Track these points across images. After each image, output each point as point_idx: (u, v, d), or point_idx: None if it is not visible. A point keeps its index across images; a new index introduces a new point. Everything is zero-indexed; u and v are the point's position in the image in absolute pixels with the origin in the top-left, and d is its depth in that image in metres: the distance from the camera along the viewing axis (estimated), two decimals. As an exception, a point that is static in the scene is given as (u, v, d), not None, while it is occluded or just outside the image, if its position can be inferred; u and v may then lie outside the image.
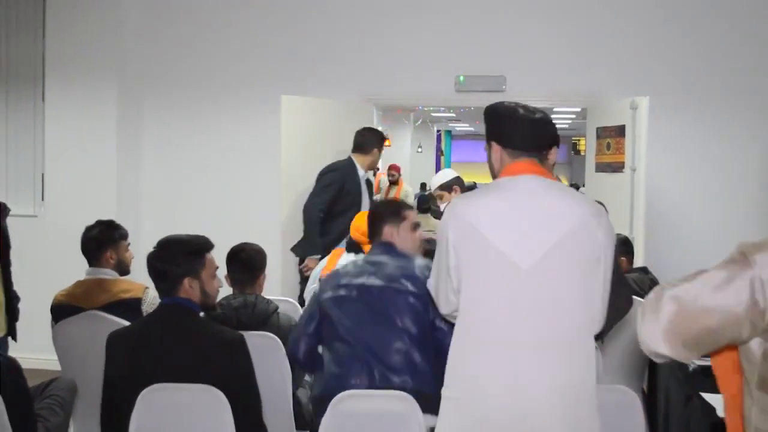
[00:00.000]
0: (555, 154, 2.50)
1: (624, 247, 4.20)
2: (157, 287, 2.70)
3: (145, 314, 3.39)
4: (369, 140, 5.25)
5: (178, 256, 2.65)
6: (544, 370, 1.99)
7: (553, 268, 2.03)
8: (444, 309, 2.20)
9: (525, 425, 1.96)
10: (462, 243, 2.08)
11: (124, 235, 3.60)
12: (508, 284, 2.03)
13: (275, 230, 5.27)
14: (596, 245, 2.05)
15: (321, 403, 2.64)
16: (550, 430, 1.96)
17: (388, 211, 2.98)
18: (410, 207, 3.11)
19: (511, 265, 2.02)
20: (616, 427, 2.43)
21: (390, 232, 2.92)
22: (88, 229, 3.58)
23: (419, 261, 2.83)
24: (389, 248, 2.88)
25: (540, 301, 2.02)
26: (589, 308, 2.06)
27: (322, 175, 5.15)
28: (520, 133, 2.14)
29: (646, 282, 4.05)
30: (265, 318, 3.15)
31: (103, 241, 3.51)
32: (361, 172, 5.19)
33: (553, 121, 2.18)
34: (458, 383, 2.06)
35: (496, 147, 2.19)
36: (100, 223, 3.60)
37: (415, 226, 3.00)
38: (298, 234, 5.14)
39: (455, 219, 2.12)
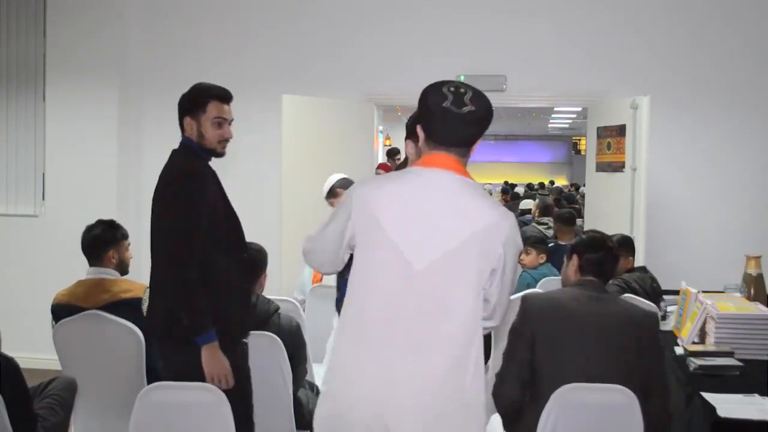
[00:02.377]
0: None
1: (625, 246, 4.19)
2: None
3: (145, 314, 3.39)
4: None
5: None
6: (417, 373, 1.93)
7: (445, 273, 1.97)
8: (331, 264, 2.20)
9: (386, 424, 1.92)
10: (360, 227, 2.04)
11: (125, 235, 3.60)
12: (396, 282, 1.98)
13: (276, 229, 5.27)
14: (493, 256, 2.00)
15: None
16: (422, 425, 1.92)
17: None
18: None
19: (404, 263, 1.97)
20: (615, 427, 2.43)
21: None
22: (89, 229, 3.57)
23: None
24: None
25: (426, 305, 1.97)
26: (475, 317, 2.00)
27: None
28: (443, 127, 2.03)
29: (647, 281, 4.06)
30: (265, 318, 3.15)
31: (105, 240, 3.51)
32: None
33: (484, 114, 2.05)
34: (334, 371, 2.04)
35: (420, 132, 2.10)
36: (101, 223, 3.59)
37: None
38: (298, 233, 5.13)
39: (359, 200, 2.06)
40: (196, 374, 2.56)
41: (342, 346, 2.05)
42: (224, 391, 2.50)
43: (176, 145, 2.96)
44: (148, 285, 3.48)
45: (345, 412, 1.97)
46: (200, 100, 2.82)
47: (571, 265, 2.81)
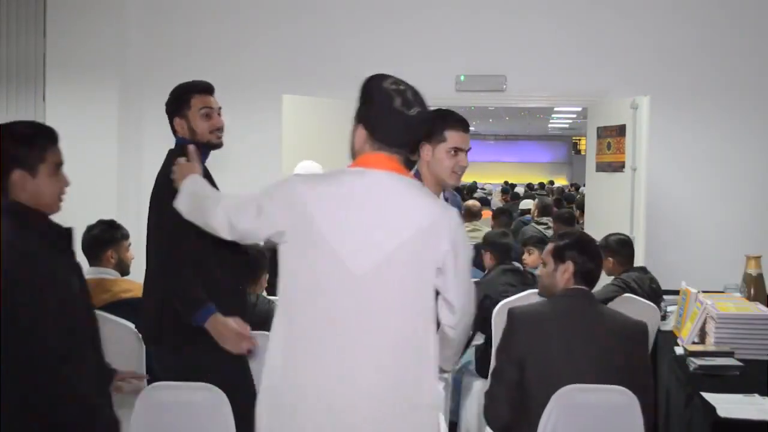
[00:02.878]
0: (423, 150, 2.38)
1: (624, 248, 4.19)
2: None
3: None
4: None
5: None
6: (364, 374, 1.89)
7: (388, 275, 1.91)
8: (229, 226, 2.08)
9: (339, 423, 1.88)
10: (293, 229, 1.94)
11: (125, 235, 3.60)
12: (337, 287, 1.91)
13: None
14: (438, 253, 1.94)
15: None
16: (369, 420, 1.89)
17: None
18: None
19: (343, 267, 1.90)
20: (614, 428, 2.43)
21: None
22: (89, 229, 3.57)
23: None
24: None
25: (370, 308, 1.91)
26: (426, 316, 1.95)
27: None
28: (390, 128, 1.98)
29: (646, 281, 4.05)
30: (265, 318, 3.15)
31: (104, 240, 3.51)
32: None
33: (429, 114, 2.05)
34: (278, 374, 1.93)
35: (361, 130, 2.04)
36: (101, 223, 3.59)
37: None
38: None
39: (294, 198, 1.95)
40: (191, 375, 2.55)
41: (288, 350, 1.93)
42: (224, 390, 2.50)
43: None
44: (148, 285, 3.50)
45: (295, 403, 1.90)
46: (183, 98, 2.86)
47: (564, 271, 2.64)
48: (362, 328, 1.90)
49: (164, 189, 2.67)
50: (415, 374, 1.93)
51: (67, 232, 2.17)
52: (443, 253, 1.94)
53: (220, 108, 2.86)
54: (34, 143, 2.19)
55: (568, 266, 2.64)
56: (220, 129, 2.84)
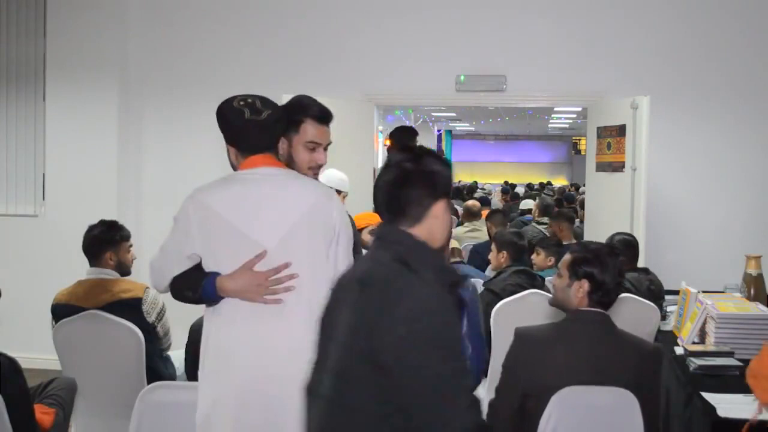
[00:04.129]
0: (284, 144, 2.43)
1: (628, 249, 4.16)
2: None
3: (145, 314, 3.39)
4: (406, 138, 5.47)
5: None
6: (286, 333, 2.17)
7: (296, 244, 2.20)
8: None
9: (270, 379, 2.15)
10: (205, 228, 2.20)
11: (125, 237, 3.59)
12: (251, 262, 2.18)
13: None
14: (332, 220, 2.25)
15: None
16: (291, 380, 2.03)
17: None
18: None
19: (255, 244, 2.18)
20: (613, 428, 2.43)
21: None
22: (91, 229, 3.57)
23: None
24: None
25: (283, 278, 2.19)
26: (331, 275, 2.12)
27: None
28: (251, 137, 2.24)
29: (644, 282, 4.04)
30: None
31: (103, 241, 3.51)
32: None
33: (280, 113, 2.28)
34: (212, 358, 2.23)
35: (231, 149, 2.31)
36: (102, 223, 3.59)
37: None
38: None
39: (196, 206, 2.23)
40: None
41: (220, 331, 2.23)
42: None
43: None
44: (147, 285, 3.50)
45: (223, 382, 2.18)
46: (295, 118, 2.45)
47: (579, 288, 2.47)
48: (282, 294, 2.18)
49: None
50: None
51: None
52: (336, 220, 2.26)
53: (329, 143, 2.50)
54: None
55: (583, 284, 2.47)
56: (320, 167, 2.49)
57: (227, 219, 2.18)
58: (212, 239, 2.21)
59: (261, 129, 2.23)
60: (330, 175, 3.82)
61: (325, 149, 2.49)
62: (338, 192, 3.44)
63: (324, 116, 2.48)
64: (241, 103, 2.24)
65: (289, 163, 2.43)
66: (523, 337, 2.47)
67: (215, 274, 2.23)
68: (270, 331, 2.19)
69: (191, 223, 2.22)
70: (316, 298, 2.06)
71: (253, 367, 2.17)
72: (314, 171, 2.49)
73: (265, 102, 2.28)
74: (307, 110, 2.46)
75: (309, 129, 2.44)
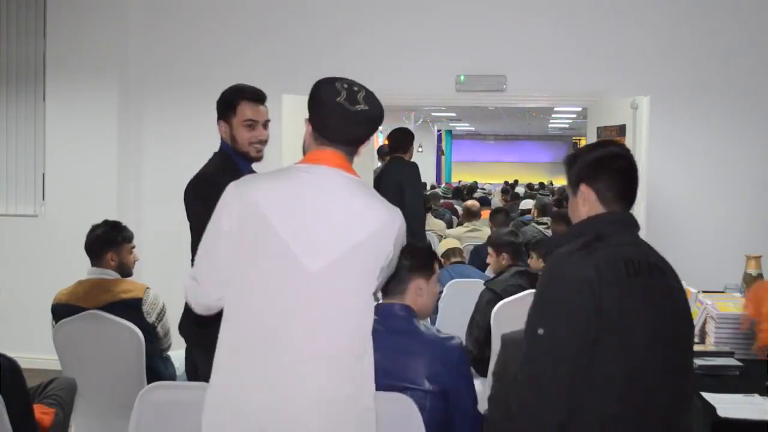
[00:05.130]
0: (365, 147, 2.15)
1: None
2: None
3: (145, 314, 3.39)
4: (407, 140, 5.76)
5: None
6: (310, 381, 1.82)
7: (342, 275, 1.87)
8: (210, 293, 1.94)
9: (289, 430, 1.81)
10: (244, 226, 1.86)
11: (127, 238, 3.59)
12: (289, 285, 1.84)
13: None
14: (383, 255, 1.93)
15: None
16: None
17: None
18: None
19: (297, 264, 1.84)
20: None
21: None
22: (94, 228, 3.58)
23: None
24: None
25: (321, 309, 1.85)
26: (368, 322, 1.92)
27: (417, 170, 5.68)
28: (332, 123, 1.93)
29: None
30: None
31: (105, 241, 3.51)
32: None
33: (377, 115, 1.98)
34: (223, 376, 1.87)
35: (308, 127, 2.00)
36: (105, 224, 3.60)
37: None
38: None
39: (239, 198, 1.88)
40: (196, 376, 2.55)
41: (234, 353, 1.86)
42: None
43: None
44: (148, 285, 3.50)
45: (228, 424, 1.85)
46: (230, 102, 2.77)
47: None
48: (316, 329, 1.84)
49: (186, 191, 2.69)
50: (360, 379, 1.89)
51: None
52: (388, 254, 1.95)
53: (267, 121, 2.80)
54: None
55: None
56: (261, 142, 2.79)
57: (271, 221, 1.85)
58: (253, 241, 1.86)
59: (344, 119, 1.91)
60: None
61: (265, 127, 2.80)
62: None
63: (257, 96, 2.80)
64: (345, 86, 1.95)
65: (233, 144, 2.75)
66: (509, 343, 2.43)
67: None
68: (291, 374, 1.82)
69: (232, 219, 1.88)
70: (349, 343, 1.86)
71: (265, 415, 1.82)
72: (256, 147, 2.76)
73: (370, 99, 1.97)
74: (241, 92, 2.78)
75: (245, 109, 2.74)
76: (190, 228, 2.67)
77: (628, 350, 1.84)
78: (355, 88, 1.96)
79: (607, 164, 2.03)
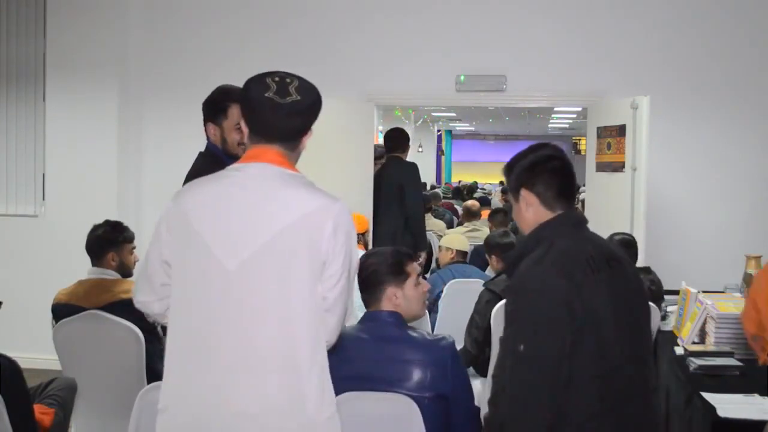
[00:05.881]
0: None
1: (627, 249, 4.16)
2: None
3: (145, 314, 3.38)
4: (405, 139, 5.79)
5: None
6: (240, 392, 1.72)
7: (261, 271, 1.75)
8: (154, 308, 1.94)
9: None
10: (175, 235, 1.83)
11: (128, 238, 3.59)
12: (210, 286, 1.77)
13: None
14: (319, 247, 1.77)
15: None
16: None
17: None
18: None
19: (217, 263, 1.76)
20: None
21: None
22: (95, 228, 3.58)
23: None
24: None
25: (244, 310, 1.75)
26: (310, 322, 1.77)
27: (417, 169, 5.72)
28: (262, 119, 1.86)
29: (644, 282, 4.02)
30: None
31: (106, 241, 3.51)
32: None
33: (309, 104, 1.88)
34: (165, 392, 1.83)
35: (243, 126, 1.93)
36: (107, 224, 3.59)
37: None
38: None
39: (173, 204, 1.87)
40: None
41: (172, 364, 1.83)
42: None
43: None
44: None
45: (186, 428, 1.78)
46: (221, 105, 2.74)
47: None
48: (242, 334, 1.75)
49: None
50: (300, 389, 1.75)
51: None
52: (326, 247, 1.78)
53: None
54: None
55: None
56: None
57: (196, 227, 1.80)
58: (180, 249, 1.83)
59: (275, 112, 1.83)
60: None
61: None
62: None
63: None
64: (276, 79, 1.87)
65: (224, 146, 2.72)
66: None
67: None
68: (217, 383, 1.74)
69: (163, 225, 1.87)
70: (286, 344, 1.74)
71: (197, 428, 1.75)
72: (244, 150, 2.61)
73: (303, 89, 1.88)
74: (231, 95, 2.70)
75: (236, 112, 2.61)
76: None
77: (602, 347, 1.88)
78: (288, 80, 1.88)
79: (542, 166, 2.08)
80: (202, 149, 2.93)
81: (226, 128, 2.72)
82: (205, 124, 2.83)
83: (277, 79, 1.87)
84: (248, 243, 1.76)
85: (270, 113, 1.84)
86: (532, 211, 2.07)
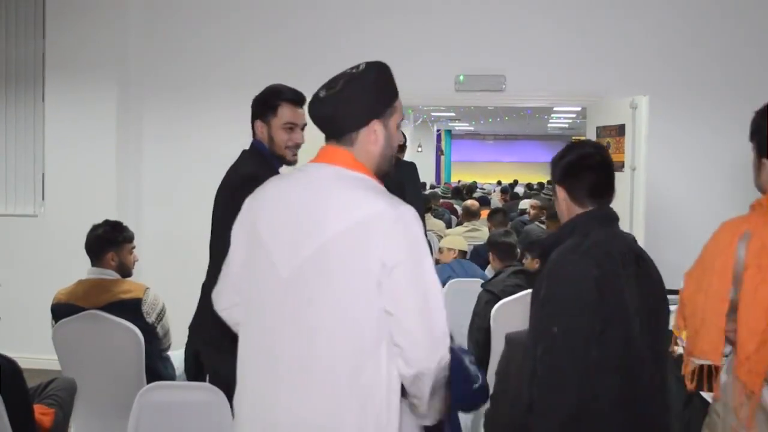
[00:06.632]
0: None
1: None
2: None
3: (145, 315, 3.39)
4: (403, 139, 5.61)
5: None
6: (284, 401, 1.64)
7: (312, 279, 1.62)
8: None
9: None
10: (245, 234, 1.77)
11: (128, 238, 3.59)
12: (269, 294, 1.69)
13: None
14: (372, 255, 1.58)
15: None
16: None
17: None
18: None
19: (274, 270, 1.67)
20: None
21: None
22: (94, 228, 3.58)
23: None
24: None
25: (298, 322, 1.64)
26: (363, 334, 1.61)
27: (416, 169, 5.64)
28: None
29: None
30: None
31: (105, 241, 3.51)
32: None
33: (344, 94, 1.75)
34: (238, 402, 1.78)
35: None
36: (106, 223, 3.60)
37: None
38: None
39: (247, 210, 1.80)
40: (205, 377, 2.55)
41: (242, 376, 1.77)
42: (227, 392, 2.50)
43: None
44: (148, 285, 3.51)
45: None
46: (271, 103, 2.75)
47: None
48: (300, 341, 1.64)
49: (224, 190, 2.64)
50: (357, 399, 1.62)
51: None
52: (381, 256, 1.59)
53: (305, 124, 2.73)
54: None
55: None
56: (297, 146, 2.76)
57: (259, 229, 1.72)
58: (249, 252, 1.76)
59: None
60: None
61: (302, 129, 2.75)
62: None
63: (298, 99, 2.76)
64: (332, 79, 1.83)
65: (270, 145, 2.73)
66: (513, 343, 2.46)
67: None
68: (268, 392, 1.68)
69: (237, 225, 1.81)
70: (333, 360, 1.61)
71: None
72: (292, 150, 2.74)
73: (346, 81, 1.77)
74: (281, 95, 2.75)
75: (286, 111, 2.71)
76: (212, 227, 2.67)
77: (628, 339, 1.97)
78: (338, 77, 1.83)
79: (577, 165, 2.19)
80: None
81: (274, 126, 2.73)
82: (252, 122, 2.81)
83: (333, 78, 1.83)
84: (299, 250, 1.65)
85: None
86: (565, 205, 2.21)
